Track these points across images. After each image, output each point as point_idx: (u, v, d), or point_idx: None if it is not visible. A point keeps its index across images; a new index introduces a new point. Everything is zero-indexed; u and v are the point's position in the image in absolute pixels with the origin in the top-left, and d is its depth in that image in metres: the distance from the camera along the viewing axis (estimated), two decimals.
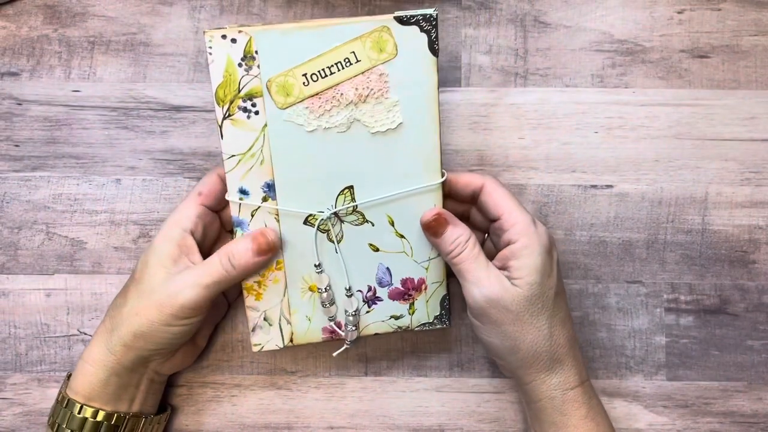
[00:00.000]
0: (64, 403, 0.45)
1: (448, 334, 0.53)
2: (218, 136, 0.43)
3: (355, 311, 0.47)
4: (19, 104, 0.53)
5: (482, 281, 0.43)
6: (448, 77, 0.53)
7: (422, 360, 0.53)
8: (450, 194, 0.47)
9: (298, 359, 0.52)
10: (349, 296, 0.47)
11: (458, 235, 0.44)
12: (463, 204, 0.48)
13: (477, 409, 0.52)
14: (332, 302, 0.47)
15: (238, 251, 0.44)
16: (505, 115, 0.53)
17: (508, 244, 0.44)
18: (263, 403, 0.52)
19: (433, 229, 0.45)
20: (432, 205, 0.46)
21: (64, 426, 0.45)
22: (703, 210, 0.53)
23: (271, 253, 0.45)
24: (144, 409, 0.47)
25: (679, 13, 0.54)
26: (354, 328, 0.47)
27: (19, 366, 0.52)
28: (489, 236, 0.48)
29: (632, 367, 0.52)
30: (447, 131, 0.53)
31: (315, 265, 0.46)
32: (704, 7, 0.54)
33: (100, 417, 0.45)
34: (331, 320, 0.47)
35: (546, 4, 0.54)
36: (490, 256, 0.45)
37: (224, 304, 0.52)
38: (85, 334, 0.52)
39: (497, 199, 0.44)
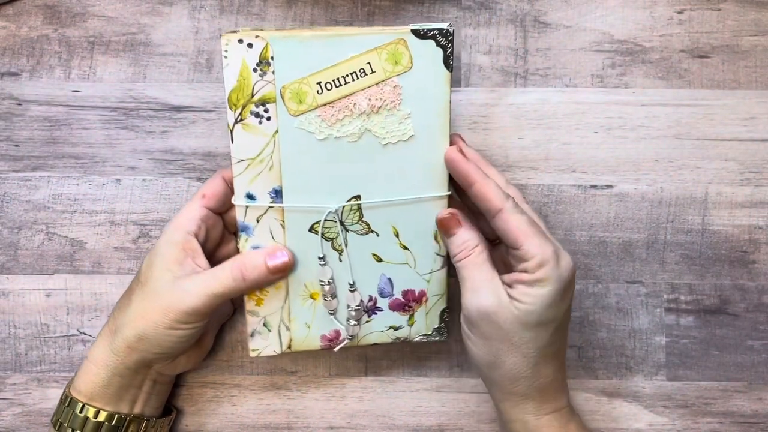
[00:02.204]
0: (66, 401, 0.46)
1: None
2: (228, 139, 0.43)
3: (357, 306, 0.47)
4: (19, 104, 0.53)
5: (480, 291, 0.42)
6: None
7: (422, 360, 0.53)
8: (468, 194, 0.45)
9: (298, 359, 0.52)
10: (353, 291, 0.46)
11: (467, 239, 0.44)
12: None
13: (477, 410, 0.52)
14: (334, 295, 0.46)
15: (251, 265, 0.44)
16: (505, 115, 0.53)
17: (524, 271, 0.42)
18: (263, 403, 0.52)
19: (445, 227, 0.45)
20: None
21: (66, 425, 0.45)
22: (703, 210, 0.53)
23: (284, 272, 0.45)
24: (146, 411, 0.47)
25: (679, 13, 0.54)
26: (356, 323, 0.47)
27: (19, 366, 0.52)
28: (507, 252, 0.46)
29: (632, 367, 0.52)
30: None
31: (319, 257, 0.46)
32: (704, 7, 0.54)
33: (101, 417, 0.45)
34: (332, 314, 0.47)
35: (546, 4, 0.54)
36: (499, 265, 0.45)
37: (229, 307, 0.52)
38: (85, 334, 0.52)
39: (516, 229, 0.41)
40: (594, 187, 0.53)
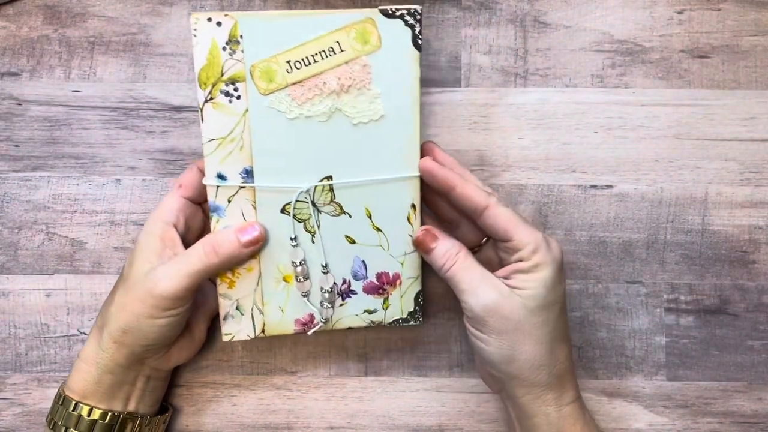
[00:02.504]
0: (60, 400, 0.46)
1: (448, 335, 0.53)
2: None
3: (330, 288, 0.46)
4: (19, 104, 0.53)
5: (478, 290, 0.43)
6: (448, 77, 0.53)
7: (422, 360, 0.53)
8: (449, 199, 0.46)
9: (298, 359, 0.53)
10: (326, 273, 0.46)
11: (448, 248, 0.44)
12: (453, 212, 0.48)
13: (477, 409, 0.52)
14: (306, 277, 0.46)
15: (223, 240, 0.44)
16: (505, 115, 0.53)
17: (519, 260, 0.43)
18: (263, 403, 0.52)
19: (423, 245, 0.45)
20: (409, 199, 0.46)
21: (60, 423, 0.45)
22: (703, 210, 0.53)
23: (257, 245, 0.45)
24: (140, 409, 0.47)
25: (679, 13, 0.54)
26: (329, 306, 0.47)
27: (19, 366, 0.52)
28: (496, 249, 0.47)
29: (632, 367, 0.52)
30: (447, 131, 0.53)
31: (291, 238, 0.46)
32: (704, 7, 0.54)
33: (94, 415, 0.45)
34: (305, 296, 0.47)
35: (546, 4, 0.54)
36: (487, 266, 0.46)
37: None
38: (85, 334, 0.52)
39: (505, 222, 0.43)
40: (594, 187, 0.53)
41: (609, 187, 0.53)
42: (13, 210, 0.53)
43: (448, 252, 0.44)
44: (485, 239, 0.48)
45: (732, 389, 0.52)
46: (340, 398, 0.52)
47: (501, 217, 0.43)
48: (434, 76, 0.53)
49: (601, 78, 0.54)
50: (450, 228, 0.48)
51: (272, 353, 0.53)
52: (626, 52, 0.54)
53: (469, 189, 0.44)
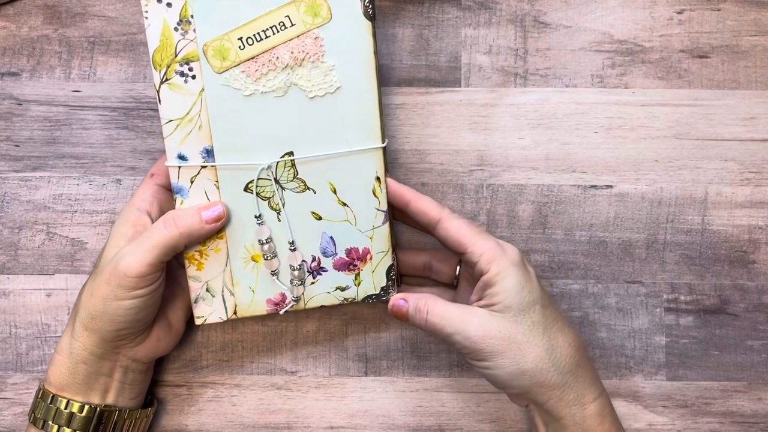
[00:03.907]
0: (39, 394, 0.46)
1: None
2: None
3: (299, 265, 0.46)
4: (19, 104, 0.53)
5: (460, 326, 0.43)
6: (448, 77, 0.53)
7: (422, 360, 0.53)
8: (407, 213, 0.46)
9: (298, 359, 0.53)
10: (293, 250, 0.46)
11: (417, 302, 0.45)
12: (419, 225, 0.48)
13: (477, 409, 0.52)
14: (274, 255, 0.46)
15: (183, 214, 0.44)
16: (505, 115, 0.53)
17: (481, 274, 0.44)
18: (263, 403, 0.52)
19: (399, 312, 0.46)
20: (373, 171, 0.46)
21: (39, 417, 0.45)
22: (703, 210, 0.53)
23: (219, 222, 0.45)
24: (120, 402, 0.46)
25: (678, 13, 0.54)
26: (299, 283, 0.47)
27: (20, 366, 0.52)
28: (467, 270, 0.48)
29: (632, 367, 0.52)
30: (447, 131, 0.53)
31: (255, 216, 0.45)
32: (704, 7, 0.54)
33: (72, 408, 0.45)
34: (274, 274, 0.46)
35: (546, 4, 0.54)
36: (471, 287, 0.46)
37: None
38: None
39: (457, 233, 0.44)
40: (594, 187, 0.53)
41: (609, 187, 0.53)
42: (14, 210, 0.53)
43: (418, 306, 0.45)
44: (458, 268, 0.49)
45: (732, 389, 0.52)
46: (340, 398, 0.52)
47: (453, 229, 0.44)
48: (434, 76, 0.53)
49: (601, 78, 0.54)
50: (423, 271, 0.50)
51: (272, 353, 0.53)
52: (626, 52, 0.54)
53: (423, 203, 0.45)
